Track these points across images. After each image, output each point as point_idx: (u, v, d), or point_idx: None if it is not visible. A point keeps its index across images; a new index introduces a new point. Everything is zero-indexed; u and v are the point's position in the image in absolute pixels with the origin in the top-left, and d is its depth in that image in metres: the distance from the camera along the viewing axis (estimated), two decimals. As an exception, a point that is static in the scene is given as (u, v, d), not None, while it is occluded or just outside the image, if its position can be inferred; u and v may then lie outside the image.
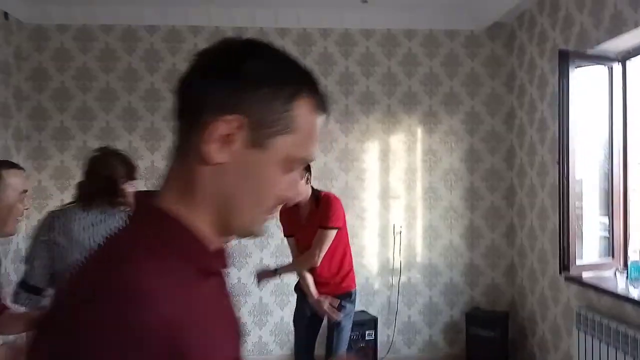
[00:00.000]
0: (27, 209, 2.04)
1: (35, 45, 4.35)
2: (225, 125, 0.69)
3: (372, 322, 4.32)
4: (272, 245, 4.41)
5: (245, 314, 4.46)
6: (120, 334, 0.59)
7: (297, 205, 2.92)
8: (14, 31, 4.20)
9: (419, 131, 4.62)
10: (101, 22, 4.36)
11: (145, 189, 0.76)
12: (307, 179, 2.88)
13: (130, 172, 2.13)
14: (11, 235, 2.00)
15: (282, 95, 0.71)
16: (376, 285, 4.58)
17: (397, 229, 4.57)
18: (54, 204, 4.07)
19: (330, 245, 2.92)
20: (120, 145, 4.01)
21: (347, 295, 3.04)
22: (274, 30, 4.46)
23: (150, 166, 4.37)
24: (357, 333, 4.07)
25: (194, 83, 0.72)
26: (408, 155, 4.61)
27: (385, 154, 4.59)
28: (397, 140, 4.60)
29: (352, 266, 3.09)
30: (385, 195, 4.59)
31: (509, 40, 4.58)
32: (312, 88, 0.74)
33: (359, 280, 3.31)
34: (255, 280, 3.15)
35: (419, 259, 4.63)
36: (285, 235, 3.17)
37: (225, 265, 0.78)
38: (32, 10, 4.23)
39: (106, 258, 0.67)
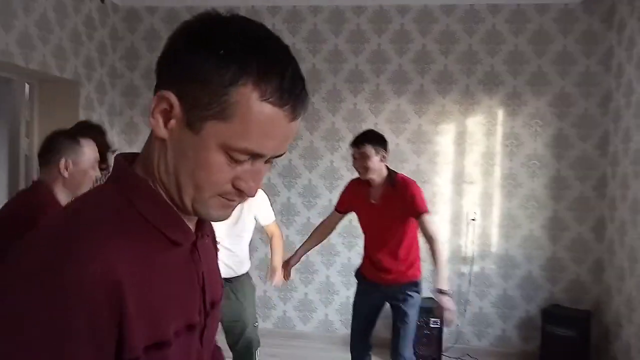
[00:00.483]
0: (100, 176, 2.18)
1: (128, 27, 4.68)
2: (159, 101, 0.68)
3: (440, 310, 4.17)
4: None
5: (312, 291, 4.53)
6: (57, 279, 0.59)
7: (368, 183, 2.78)
8: (110, 13, 4.54)
9: (500, 113, 4.34)
10: (187, 4, 4.58)
11: (125, 152, 0.78)
12: (383, 156, 2.70)
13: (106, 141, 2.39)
14: None
15: (221, 78, 0.65)
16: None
17: (470, 216, 4.36)
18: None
19: (398, 232, 2.77)
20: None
21: (412, 285, 2.85)
22: (351, 9, 4.41)
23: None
24: (421, 320, 3.96)
25: (160, 57, 0.72)
26: (487, 138, 4.36)
27: (461, 137, 4.38)
28: (475, 123, 4.36)
29: (418, 255, 2.91)
30: (459, 180, 4.40)
31: (608, 14, 4.13)
32: (266, 77, 0.66)
33: (427, 266, 3.15)
34: None
35: (494, 248, 4.39)
36: (338, 210, 3.03)
37: (199, 236, 0.78)
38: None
39: (69, 210, 0.71)
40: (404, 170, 4.28)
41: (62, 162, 1.94)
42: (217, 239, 1.53)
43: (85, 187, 2.03)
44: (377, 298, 2.95)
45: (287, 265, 3.00)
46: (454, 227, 4.41)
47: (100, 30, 4.41)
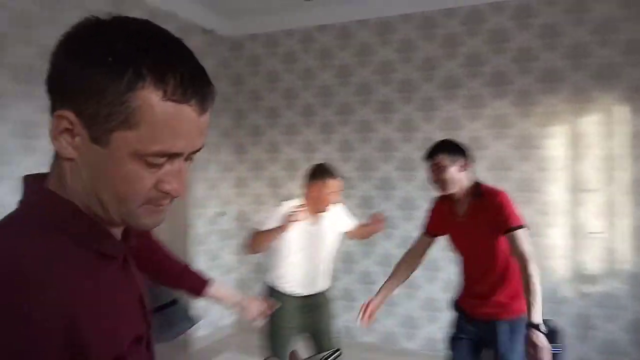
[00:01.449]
0: None
1: (234, 55, 5.02)
2: (57, 122, 0.65)
3: (558, 334, 3.73)
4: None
5: (415, 308, 4.37)
6: (8, 312, 0.57)
7: (451, 198, 2.46)
8: (216, 43, 4.92)
9: (623, 111, 3.78)
10: (285, 27, 4.78)
11: (32, 174, 0.72)
12: (461, 166, 2.36)
13: None
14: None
15: (117, 87, 0.62)
16: (564, 293, 3.95)
17: (593, 228, 3.85)
18: (283, 192, 4.68)
19: (492, 253, 2.35)
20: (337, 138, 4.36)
21: (522, 321, 2.20)
22: (440, 12, 4.22)
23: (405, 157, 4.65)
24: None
25: (47, 76, 0.67)
26: (606, 140, 3.83)
27: (575, 140, 3.91)
28: (591, 123, 3.86)
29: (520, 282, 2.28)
30: (575, 188, 3.91)
31: None
32: (165, 75, 0.62)
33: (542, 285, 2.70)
34: None
35: (625, 266, 3.82)
36: (427, 232, 2.66)
37: (128, 249, 0.77)
38: (228, 23, 4.89)
39: None
40: (508, 179, 3.98)
41: None
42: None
43: None
44: (474, 337, 2.48)
45: (368, 307, 2.54)
46: (573, 241, 3.93)
47: (210, 60, 4.79)
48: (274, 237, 2.76)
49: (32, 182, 0.71)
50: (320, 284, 2.94)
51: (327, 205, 2.80)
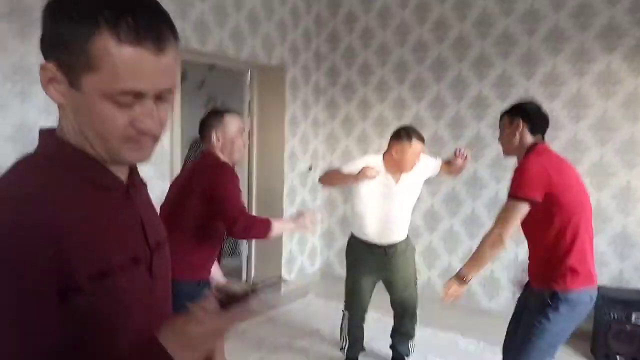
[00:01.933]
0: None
1: (330, 12, 5.08)
2: (42, 73, 0.77)
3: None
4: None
5: (498, 269, 4.30)
6: None
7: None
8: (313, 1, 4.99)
9: None
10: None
11: (47, 127, 0.85)
12: (517, 125, 2.23)
13: None
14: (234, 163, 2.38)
15: (79, 34, 0.73)
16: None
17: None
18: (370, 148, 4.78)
19: (540, 224, 2.13)
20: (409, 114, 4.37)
21: (550, 295, 2.12)
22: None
23: (476, 135, 4.62)
24: (620, 313, 3.43)
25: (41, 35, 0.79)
26: None
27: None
28: None
29: (580, 260, 2.13)
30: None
31: None
32: (118, 20, 0.72)
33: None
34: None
35: None
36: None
37: (132, 184, 0.88)
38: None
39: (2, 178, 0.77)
40: (584, 162, 3.81)
41: (213, 134, 2.31)
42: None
43: (237, 153, 2.36)
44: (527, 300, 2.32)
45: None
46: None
47: (305, 16, 4.89)
48: (345, 182, 2.86)
49: (44, 132, 0.84)
50: (396, 235, 3.01)
51: (407, 168, 2.83)
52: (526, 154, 2.19)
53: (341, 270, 4.65)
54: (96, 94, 0.75)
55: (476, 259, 2.20)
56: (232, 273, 4.75)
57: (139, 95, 0.76)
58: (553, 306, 2.11)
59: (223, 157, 2.32)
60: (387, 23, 4.74)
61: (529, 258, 2.30)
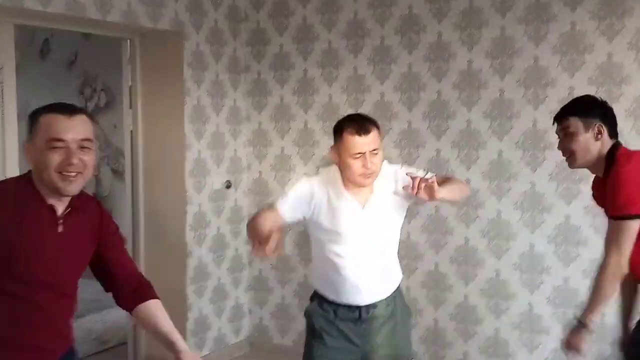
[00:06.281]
0: None
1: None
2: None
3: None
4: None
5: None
6: None
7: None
8: None
9: None
10: None
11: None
12: (599, 130, 2.10)
13: None
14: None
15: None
16: None
17: None
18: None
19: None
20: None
21: None
22: None
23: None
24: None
25: None
26: None
27: None
28: None
29: None
30: None
31: None
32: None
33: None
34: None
35: None
36: None
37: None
38: None
39: None
40: None
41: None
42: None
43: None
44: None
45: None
46: None
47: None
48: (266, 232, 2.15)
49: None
50: (376, 289, 2.34)
51: (368, 174, 2.22)
52: (611, 163, 2.08)
53: (281, 339, 3.75)
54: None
55: (597, 299, 2.10)
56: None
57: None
58: None
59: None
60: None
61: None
